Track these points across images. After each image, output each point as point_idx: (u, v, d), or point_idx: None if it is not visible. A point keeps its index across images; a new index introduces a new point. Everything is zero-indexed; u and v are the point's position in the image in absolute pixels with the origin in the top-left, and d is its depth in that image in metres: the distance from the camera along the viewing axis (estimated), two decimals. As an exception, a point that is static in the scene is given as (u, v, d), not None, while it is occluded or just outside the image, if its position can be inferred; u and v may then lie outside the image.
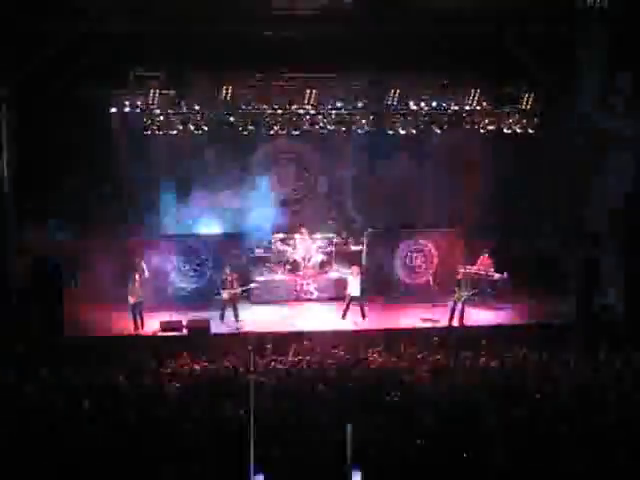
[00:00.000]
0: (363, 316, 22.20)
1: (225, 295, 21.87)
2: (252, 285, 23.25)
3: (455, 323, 21.76)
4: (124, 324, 21.27)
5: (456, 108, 24.10)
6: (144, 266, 21.93)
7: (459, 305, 21.85)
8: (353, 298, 22.36)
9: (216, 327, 21.14)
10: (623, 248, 22.47)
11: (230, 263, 22.62)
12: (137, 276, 21.46)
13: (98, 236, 22.48)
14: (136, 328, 21.18)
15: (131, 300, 21.22)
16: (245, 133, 23.73)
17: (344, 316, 22.25)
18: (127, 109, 22.90)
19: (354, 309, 22.43)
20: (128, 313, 21.29)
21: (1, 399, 15.09)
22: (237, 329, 21.43)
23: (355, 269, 22.76)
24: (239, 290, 22.16)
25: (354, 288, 22.45)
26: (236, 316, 21.88)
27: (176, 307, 22.60)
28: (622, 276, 22.39)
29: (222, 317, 21.83)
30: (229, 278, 22.02)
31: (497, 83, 24.16)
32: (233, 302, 21.93)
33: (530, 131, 24.15)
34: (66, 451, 12.86)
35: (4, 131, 21.19)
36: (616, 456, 12.49)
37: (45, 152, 22.28)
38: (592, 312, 22.08)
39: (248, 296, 23.22)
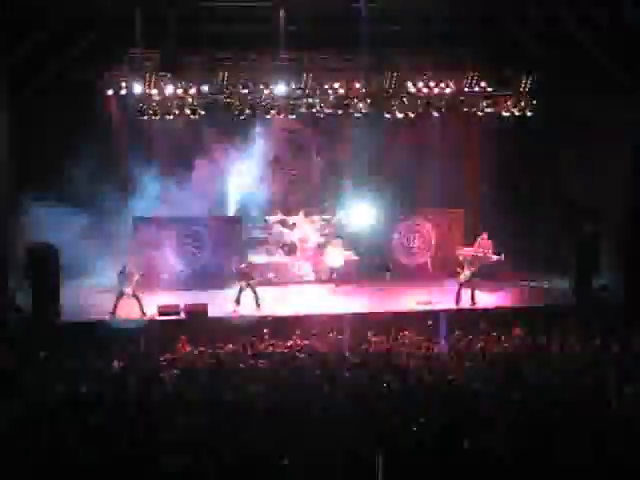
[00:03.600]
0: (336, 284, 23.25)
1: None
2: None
3: (463, 304, 21.74)
4: (125, 308, 21.04)
5: (453, 90, 23.21)
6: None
7: (464, 286, 21.85)
8: (333, 269, 23.02)
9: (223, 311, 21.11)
10: (623, 227, 22.35)
11: (229, 245, 22.65)
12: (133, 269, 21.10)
13: (98, 220, 22.47)
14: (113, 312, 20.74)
15: (127, 291, 20.89)
16: (242, 117, 22.95)
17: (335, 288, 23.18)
18: (123, 92, 22.20)
19: (346, 289, 23.10)
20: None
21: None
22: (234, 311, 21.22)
23: (338, 242, 23.67)
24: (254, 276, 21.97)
25: (335, 259, 23.10)
26: (257, 302, 21.48)
27: (174, 290, 22.70)
28: (623, 256, 22.32)
29: (238, 301, 21.45)
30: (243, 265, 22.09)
31: (496, 66, 23.47)
32: (250, 285, 21.60)
33: (528, 114, 23.49)
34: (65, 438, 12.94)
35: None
36: (613, 444, 12.53)
37: (44, 136, 22.16)
38: (591, 294, 22.08)
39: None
